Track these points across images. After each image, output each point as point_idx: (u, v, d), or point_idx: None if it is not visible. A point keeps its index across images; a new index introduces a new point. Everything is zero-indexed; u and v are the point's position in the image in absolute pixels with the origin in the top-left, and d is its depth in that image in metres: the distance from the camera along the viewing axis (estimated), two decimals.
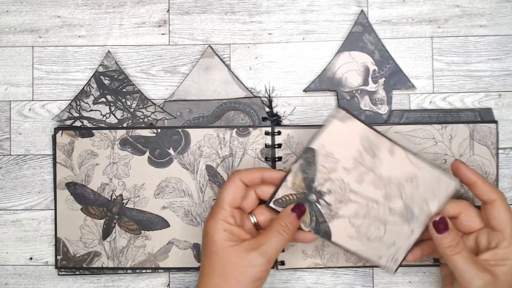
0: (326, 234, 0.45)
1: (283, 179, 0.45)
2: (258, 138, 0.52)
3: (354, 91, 0.53)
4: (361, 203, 0.45)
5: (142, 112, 0.53)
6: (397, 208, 0.45)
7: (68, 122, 0.53)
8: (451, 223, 0.44)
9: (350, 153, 0.45)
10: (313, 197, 0.45)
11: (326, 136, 0.45)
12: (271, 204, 0.46)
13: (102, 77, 0.53)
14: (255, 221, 0.47)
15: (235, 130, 0.52)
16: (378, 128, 0.50)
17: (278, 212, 0.46)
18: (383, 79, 0.53)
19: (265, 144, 0.52)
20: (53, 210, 0.53)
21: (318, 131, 0.45)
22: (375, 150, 0.45)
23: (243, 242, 0.43)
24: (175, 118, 0.53)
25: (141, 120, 0.53)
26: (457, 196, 0.47)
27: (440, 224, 0.44)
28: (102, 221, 0.53)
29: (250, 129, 0.52)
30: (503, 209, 0.44)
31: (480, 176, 0.45)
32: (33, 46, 0.54)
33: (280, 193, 0.46)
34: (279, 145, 0.52)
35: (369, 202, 0.45)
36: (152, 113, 0.53)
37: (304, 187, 0.45)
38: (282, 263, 0.52)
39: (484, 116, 0.52)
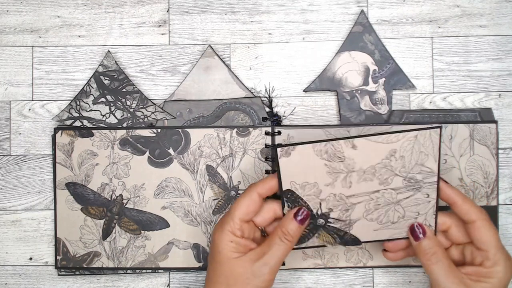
0: (354, 241, 0.46)
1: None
2: (258, 138, 0.52)
3: (354, 91, 0.53)
4: (365, 200, 0.45)
5: (142, 112, 0.53)
6: (399, 185, 0.44)
7: (68, 122, 0.53)
8: (430, 231, 0.44)
9: (320, 171, 0.44)
10: (321, 221, 0.45)
11: (286, 174, 0.44)
12: (285, 211, 0.46)
13: (102, 77, 0.53)
14: (262, 227, 0.46)
15: (235, 130, 0.52)
16: (377, 127, 0.50)
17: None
18: (383, 79, 0.53)
19: (265, 144, 0.52)
20: (53, 210, 0.53)
21: (278, 175, 0.45)
22: (338, 154, 0.44)
23: (248, 253, 0.43)
24: (175, 118, 0.53)
25: (141, 120, 0.53)
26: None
27: (414, 231, 0.44)
28: (102, 221, 0.53)
29: (250, 129, 0.52)
30: (484, 230, 0.43)
31: (461, 194, 0.44)
32: (33, 46, 0.54)
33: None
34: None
35: (370, 195, 0.45)
36: (152, 113, 0.53)
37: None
38: (282, 263, 0.52)
39: (484, 116, 0.52)
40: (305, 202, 0.45)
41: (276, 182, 0.45)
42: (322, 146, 0.44)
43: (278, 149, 0.44)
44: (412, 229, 0.45)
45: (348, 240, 0.46)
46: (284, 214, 0.45)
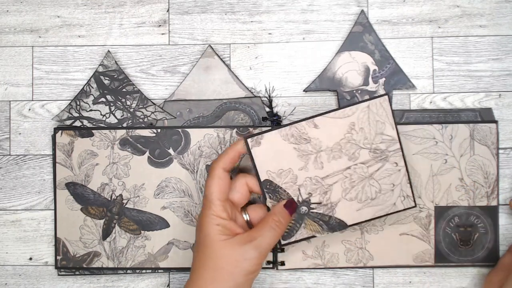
0: (341, 225, 0.47)
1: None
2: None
3: (354, 91, 0.53)
4: (340, 179, 0.46)
5: (142, 112, 0.53)
6: (367, 157, 0.46)
7: (68, 122, 0.53)
8: None
9: (291, 156, 0.46)
10: (303, 208, 0.47)
11: (261, 164, 0.46)
12: (267, 203, 0.47)
13: (102, 77, 0.53)
14: (248, 218, 0.47)
15: (235, 130, 0.52)
16: None
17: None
18: (383, 79, 0.53)
19: None
20: (53, 210, 0.53)
21: (253, 169, 0.46)
22: (304, 136, 0.46)
23: (236, 236, 0.44)
24: (175, 118, 0.53)
25: (141, 120, 0.53)
26: None
27: None
28: (102, 221, 0.52)
29: (250, 129, 0.52)
30: None
31: None
32: (33, 46, 0.54)
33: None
34: None
35: (343, 173, 0.46)
36: (152, 113, 0.53)
37: None
38: (282, 263, 0.52)
39: (485, 116, 0.52)
40: (284, 191, 0.46)
41: (236, 150, 0.46)
42: (287, 130, 0.46)
43: (249, 140, 0.46)
44: None
45: (335, 224, 0.47)
46: (267, 206, 0.47)
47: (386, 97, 0.46)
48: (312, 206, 0.46)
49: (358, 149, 0.46)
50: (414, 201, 0.47)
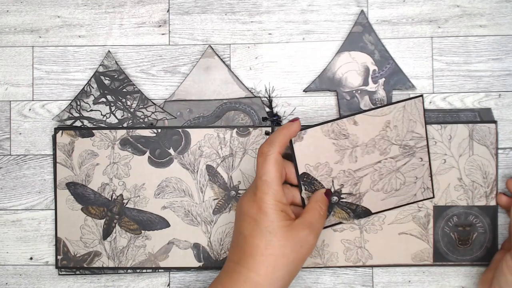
0: (366, 213, 0.50)
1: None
2: (258, 138, 0.52)
3: (354, 91, 0.53)
4: (370, 172, 0.49)
5: (143, 112, 0.53)
6: (397, 153, 0.49)
7: (68, 122, 0.53)
8: None
9: (329, 150, 0.48)
10: (334, 198, 0.49)
11: (301, 158, 0.48)
12: (303, 194, 0.49)
13: (102, 77, 0.53)
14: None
15: (235, 130, 0.52)
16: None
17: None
18: (383, 79, 0.53)
19: None
20: (53, 210, 0.53)
21: (294, 160, 0.48)
22: (343, 132, 0.48)
23: (294, 221, 0.44)
24: (175, 118, 0.53)
25: (141, 120, 0.53)
26: None
27: None
28: (102, 221, 0.53)
29: (250, 129, 0.52)
30: None
31: None
32: (33, 46, 0.54)
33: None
34: None
35: (374, 166, 0.49)
36: (153, 113, 0.53)
37: None
38: None
39: (484, 116, 0.52)
40: (319, 182, 0.49)
41: (289, 135, 0.47)
42: (329, 126, 0.48)
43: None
44: None
45: (360, 212, 0.50)
46: (302, 198, 0.48)
47: (421, 98, 0.49)
48: (342, 196, 0.49)
49: (390, 145, 0.49)
50: (433, 192, 0.51)
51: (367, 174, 0.49)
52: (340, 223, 0.51)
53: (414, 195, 0.50)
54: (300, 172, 0.48)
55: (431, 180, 0.51)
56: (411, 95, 0.53)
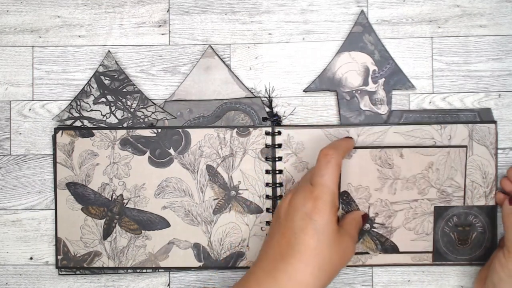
0: (393, 249, 0.51)
1: None
2: (259, 138, 0.52)
3: (354, 91, 0.53)
4: (405, 208, 0.50)
5: (143, 112, 0.53)
6: (433, 196, 0.50)
7: (68, 122, 0.53)
8: None
9: (372, 176, 0.50)
10: (367, 226, 0.50)
11: (345, 175, 0.50)
12: (338, 213, 0.48)
13: (102, 77, 0.53)
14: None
15: (235, 130, 0.52)
16: (377, 128, 0.51)
17: None
18: (383, 79, 0.53)
19: (265, 144, 0.52)
20: (53, 210, 0.53)
21: (340, 177, 0.48)
22: (389, 161, 0.50)
23: (341, 228, 0.45)
24: (176, 118, 0.53)
25: (141, 120, 0.53)
26: None
27: None
28: (102, 221, 0.53)
29: (251, 129, 0.52)
30: None
31: None
32: (33, 46, 0.54)
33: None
34: (279, 145, 0.52)
35: (410, 204, 0.50)
36: (153, 113, 0.53)
37: None
38: None
39: (484, 116, 0.52)
40: (357, 205, 0.50)
41: (349, 143, 0.48)
42: (377, 151, 0.50)
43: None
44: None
45: (388, 247, 0.51)
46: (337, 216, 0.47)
47: (464, 148, 0.50)
48: (374, 225, 0.50)
49: (429, 186, 0.50)
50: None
51: (402, 209, 0.50)
52: (367, 253, 0.51)
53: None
54: (341, 190, 0.49)
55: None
56: (410, 95, 0.53)
